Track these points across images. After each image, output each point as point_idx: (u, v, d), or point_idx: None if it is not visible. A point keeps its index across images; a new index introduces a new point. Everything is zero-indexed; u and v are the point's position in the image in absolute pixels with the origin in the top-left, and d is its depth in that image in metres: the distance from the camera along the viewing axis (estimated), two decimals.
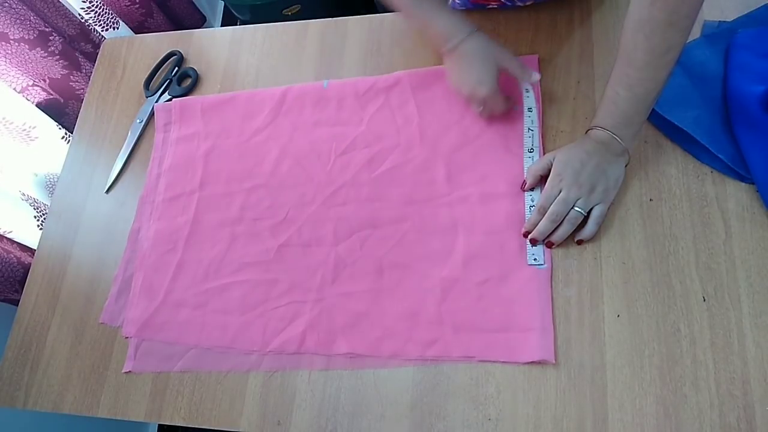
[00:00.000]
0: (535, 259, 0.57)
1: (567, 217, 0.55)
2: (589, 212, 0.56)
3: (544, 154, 0.61)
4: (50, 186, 0.95)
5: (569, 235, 0.56)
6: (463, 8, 0.72)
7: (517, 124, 0.63)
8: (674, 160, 0.58)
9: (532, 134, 0.63)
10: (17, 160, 0.90)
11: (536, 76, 0.61)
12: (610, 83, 0.54)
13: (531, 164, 0.60)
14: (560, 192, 0.55)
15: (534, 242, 0.57)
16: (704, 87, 0.59)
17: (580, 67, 0.65)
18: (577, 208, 0.55)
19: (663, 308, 0.53)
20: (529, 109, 0.63)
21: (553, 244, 0.57)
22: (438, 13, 0.60)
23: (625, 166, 0.57)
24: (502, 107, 0.62)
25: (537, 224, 0.57)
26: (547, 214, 0.56)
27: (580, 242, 0.57)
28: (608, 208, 0.56)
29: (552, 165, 0.57)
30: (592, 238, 0.56)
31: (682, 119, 0.58)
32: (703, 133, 0.57)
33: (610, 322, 0.54)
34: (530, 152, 0.62)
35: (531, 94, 0.64)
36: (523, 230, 0.58)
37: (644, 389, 0.51)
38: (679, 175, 0.57)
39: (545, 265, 0.57)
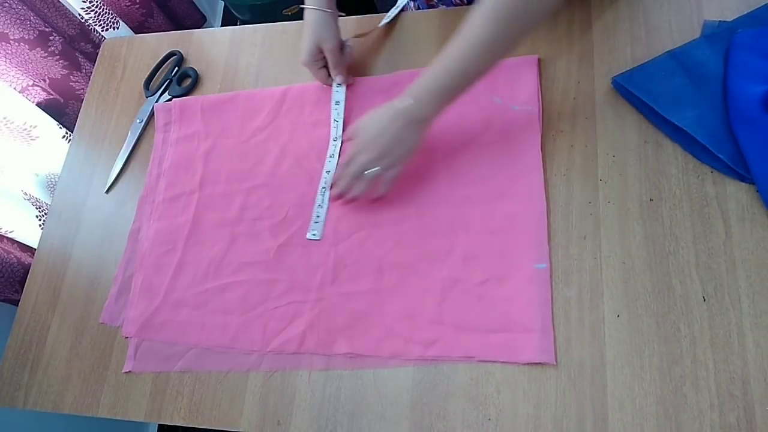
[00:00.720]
0: (313, 234, 0.63)
1: (365, 173, 0.59)
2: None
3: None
4: (51, 186, 0.95)
5: (366, 191, 0.61)
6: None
7: (518, 126, 0.63)
8: (674, 160, 0.58)
9: (337, 125, 0.69)
10: (19, 159, 0.90)
11: (340, 79, 0.69)
12: (440, 53, 0.55)
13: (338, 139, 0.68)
14: (359, 154, 0.59)
15: (336, 198, 0.63)
16: (704, 87, 0.59)
17: (580, 67, 0.65)
18: (372, 169, 0.59)
19: (663, 308, 0.53)
20: (337, 103, 0.70)
21: (354, 200, 0.62)
22: None
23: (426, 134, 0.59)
24: (323, 80, 0.70)
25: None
26: (346, 173, 0.61)
27: (374, 201, 0.63)
28: (399, 171, 0.60)
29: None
30: (594, 239, 0.57)
31: (682, 119, 0.58)
32: (703, 133, 0.57)
33: (610, 322, 0.54)
34: (335, 141, 0.69)
35: (342, 89, 0.70)
36: (330, 185, 0.64)
37: (644, 389, 0.51)
38: (679, 175, 0.57)
39: (545, 266, 0.57)
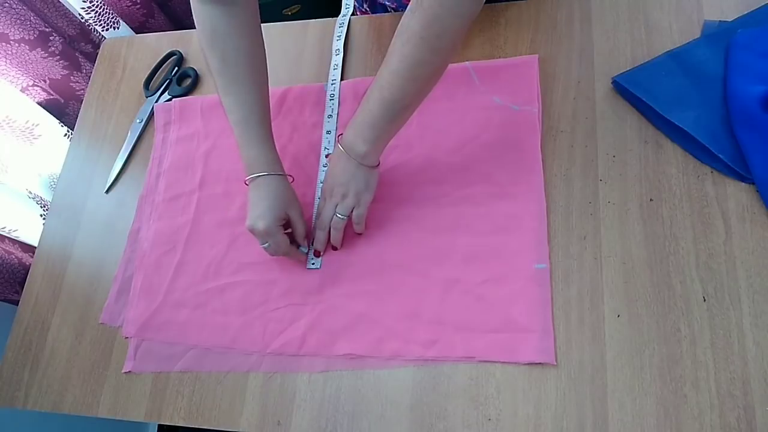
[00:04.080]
0: (312, 264, 0.63)
1: (332, 224, 0.60)
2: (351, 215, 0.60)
3: None
4: (55, 186, 0.95)
5: (342, 236, 0.61)
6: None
7: (518, 126, 0.63)
8: (674, 160, 0.58)
9: (331, 119, 0.70)
10: (22, 158, 0.90)
11: (303, 251, 0.63)
12: (372, 82, 0.54)
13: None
14: (324, 205, 0.60)
15: (317, 254, 0.63)
16: (704, 87, 0.59)
17: (580, 67, 0.65)
18: (338, 215, 0.59)
19: (663, 308, 0.53)
20: (331, 98, 0.71)
21: (336, 248, 0.63)
22: (252, 142, 0.59)
23: (376, 167, 0.58)
24: (285, 250, 0.60)
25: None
26: (316, 225, 0.62)
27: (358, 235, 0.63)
28: (366, 209, 0.59)
29: None
30: (594, 239, 0.57)
31: (682, 119, 0.58)
32: (703, 133, 0.57)
33: (610, 322, 0.54)
34: (328, 133, 0.70)
35: (337, 84, 0.72)
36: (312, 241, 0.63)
37: (644, 389, 0.51)
38: (679, 175, 0.57)
39: (545, 266, 0.57)
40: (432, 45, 0.48)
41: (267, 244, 0.60)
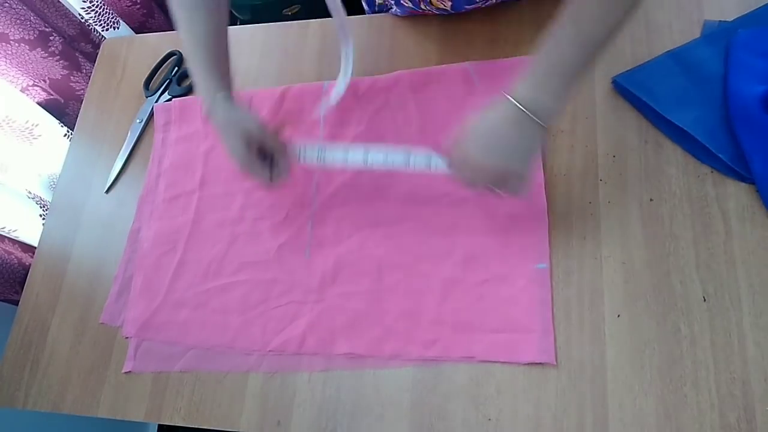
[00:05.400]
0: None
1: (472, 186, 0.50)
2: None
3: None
4: (55, 186, 0.95)
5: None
6: (405, 14, 0.73)
7: None
8: (674, 160, 0.58)
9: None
10: (22, 158, 0.90)
11: (286, 175, 0.57)
12: (556, 23, 0.44)
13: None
14: (471, 180, 0.50)
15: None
16: (704, 87, 0.59)
17: None
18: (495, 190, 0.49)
19: (663, 308, 0.53)
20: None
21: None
22: (199, 72, 0.54)
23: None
24: (261, 177, 0.56)
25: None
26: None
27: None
28: (526, 182, 0.49)
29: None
30: (594, 239, 0.57)
31: (682, 119, 0.58)
32: (703, 133, 0.57)
33: (610, 322, 0.54)
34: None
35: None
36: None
37: (644, 389, 0.51)
38: (679, 175, 0.57)
39: (545, 266, 0.57)
40: None
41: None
